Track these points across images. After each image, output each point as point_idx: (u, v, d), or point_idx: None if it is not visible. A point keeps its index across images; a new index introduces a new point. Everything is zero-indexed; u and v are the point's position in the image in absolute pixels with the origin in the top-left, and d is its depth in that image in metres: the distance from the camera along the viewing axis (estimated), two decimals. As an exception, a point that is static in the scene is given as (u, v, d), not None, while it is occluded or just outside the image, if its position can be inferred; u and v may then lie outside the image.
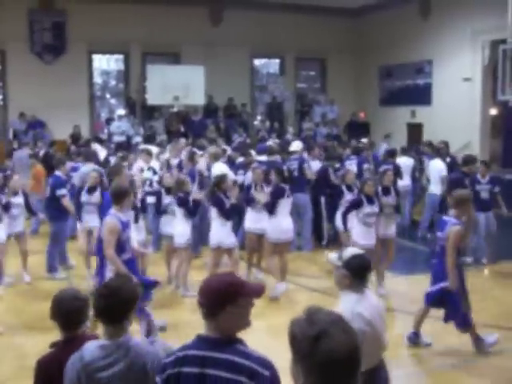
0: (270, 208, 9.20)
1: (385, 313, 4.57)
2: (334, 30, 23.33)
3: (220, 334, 2.83)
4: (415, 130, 20.87)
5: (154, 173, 12.13)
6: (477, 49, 18.39)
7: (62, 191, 10.25)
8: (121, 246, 6.66)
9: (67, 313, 3.68)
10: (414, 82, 21.39)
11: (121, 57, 21.89)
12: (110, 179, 9.49)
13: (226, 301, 2.81)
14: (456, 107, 18.88)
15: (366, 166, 13.28)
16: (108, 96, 22.50)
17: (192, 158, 12.04)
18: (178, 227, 9.14)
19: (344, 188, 10.40)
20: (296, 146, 13.14)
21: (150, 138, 18.16)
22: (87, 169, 11.32)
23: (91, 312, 3.46)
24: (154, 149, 14.37)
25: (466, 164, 11.11)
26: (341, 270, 4.24)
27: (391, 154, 13.98)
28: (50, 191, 10.40)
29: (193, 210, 9.17)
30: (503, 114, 18.60)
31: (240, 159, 13.15)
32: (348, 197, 10.01)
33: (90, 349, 3.24)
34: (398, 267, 10.14)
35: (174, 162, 12.85)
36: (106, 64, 22.23)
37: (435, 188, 12.93)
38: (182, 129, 20.40)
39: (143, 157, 12.76)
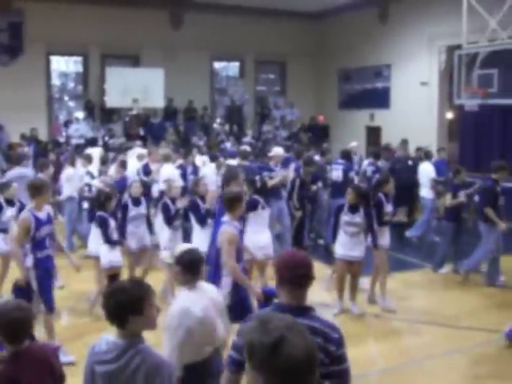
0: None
1: (223, 306, 4.65)
2: (294, 33, 23.46)
3: (297, 303, 3.24)
4: (374, 133, 21.11)
5: (92, 177, 11.97)
6: (433, 54, 18.70)
7: None
8: None
9: (10, 324, 3.53)
10: (373, 86, 21.64)
11: (80, 59, 21.62)
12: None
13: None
14: (414, 111, 19.17)
15: (352, 172, 12.77)
16: (66, 98, 22.21)
17: (123, 165, 11.99)
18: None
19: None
20: (276, 151, 12.32)
21: (93, 142, 18.20)
22: (14, 173, 11.25)
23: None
24: (140, 151, 14.18)
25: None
26: (174, 267, 4.41)
27: (376, 155, 14.10)
28: None
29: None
30: (459, 118, 18.93)
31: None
32: None
33: (102, 341, 3.28)
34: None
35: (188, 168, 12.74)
36: (64, 66, 21.94)
37: (427, 192, 12.81)
38: (142, 132, 20.29)
39: (82, 161, 12.46)
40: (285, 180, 11.36)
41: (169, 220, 8.53)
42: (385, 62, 20.85)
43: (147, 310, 3.25)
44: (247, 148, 13.98)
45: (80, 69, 21.83)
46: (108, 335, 3.29)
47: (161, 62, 20.58)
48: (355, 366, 3.53)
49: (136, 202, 8.95)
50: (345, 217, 8.22)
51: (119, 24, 20.42)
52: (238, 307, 5.79)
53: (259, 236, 8.36)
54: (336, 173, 12.40)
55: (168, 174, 11.24)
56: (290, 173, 11.67)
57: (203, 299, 4.30)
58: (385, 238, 8.64)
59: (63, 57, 21.62)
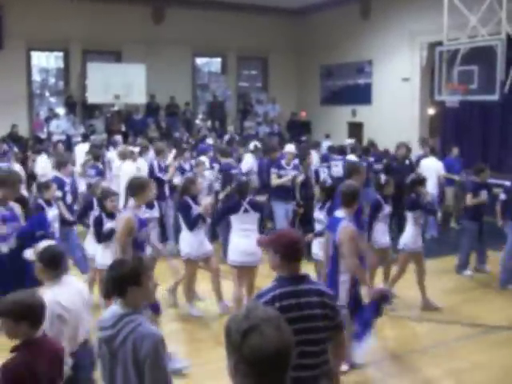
0: (215, 224, 8.48)
1: (88, 298, 4.74)
2: (276, 29, 23.46)
3: (297, 273, 3.81)
4: (356, 129, 21.18)
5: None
6: (415, 50, 18.78)
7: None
8: None
9: (38, 308, 3.69)
10: (355, 82, 21.70)
11: (60, 54, 21.45)
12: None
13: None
14: (395, 106, 19.27)
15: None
16: (47, 94, 22.07)
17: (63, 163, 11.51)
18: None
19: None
20: (289, 148, 11.83)
21: (86, 137, 18.01)
22: None
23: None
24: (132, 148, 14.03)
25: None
26: (36, 264, 4.47)
27: (367, 151, 14.13)
28: None
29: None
30: (440, 114, 19.04)
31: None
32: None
33: (109, 310, 3.59)
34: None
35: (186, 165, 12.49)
36: (45, 61, 21.79)
37: (432, 188, 12.30)
38: (123, 128, 20.21)
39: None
40: (297, 181, 11.01)
41: (191, 223, 8.02)
42: (366, 57, 20.91)
43: (145, 282, 3.57)
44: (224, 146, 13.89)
45: (61, 64, 21.67)
46: (112, 306, 3.58)
47: (143, 58, 20.50)
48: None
49: (149, 205, 8.30)
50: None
51: (101, 19, 20.28)
52: (353, 303, 6.06)
53: (239, 241, 7.75)
54: (336, 169, 12.22)
55: (129, 170, 11.40)
56: (301, 175, 11.14)
57: (69, 293, 4.39)
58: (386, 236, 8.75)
59: (44, 52, 21.45)
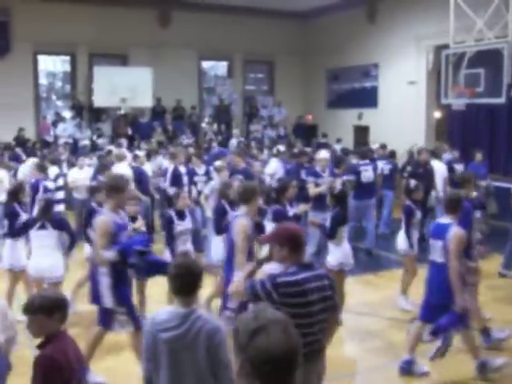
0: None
1: (8, 312, 4.76)
2: (282, 32, 23.48)
3: (303, 262, 4.10)
4: (362, 133, 21.17)
5: None
6: (421, 53, 18.76)
7: None
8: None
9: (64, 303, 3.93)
10: (361, 85, 21.69)
11: (67, 58, 21.53)
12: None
13: None
14: (401, 110, 19.24)
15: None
16: (54, 98, 22.14)
17: (41, 168, 11.15)
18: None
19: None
20: (323, 154, 11.25)
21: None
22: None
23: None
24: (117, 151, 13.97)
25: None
26: None
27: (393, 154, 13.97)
28: None
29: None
30: (446, 117, 19.01)
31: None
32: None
33: (161, 312, 3.70)
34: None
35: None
36: (52, 65, 21.88)
37: (440, 191, 12.30)
38: (129, 131, 20.25)
39: (33, 172, 11.38)
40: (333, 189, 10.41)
41: (222, 227, 7.66)
42: (373, 61, 20.90)
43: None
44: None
45: (68, 68, 21.75)
46: (165, 307, 3.79)
47: (149, 62, 20.56)
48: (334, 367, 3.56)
49: (180, 215, 7.86)
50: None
51: (107, 23, 20.36)
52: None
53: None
54: (367, 173, 11.86)
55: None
56: (338, 181, 10.49)
57: None
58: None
59: (51, 56, 21.54)
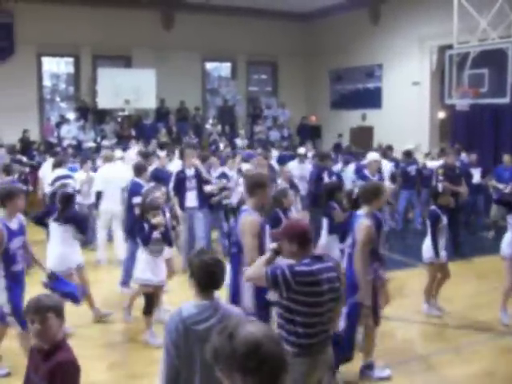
0: None
1: None
2: (286, 33, 23.48)
3: (313, 255, 4.29)
4: (366, 133, 21.14)
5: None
6: (425, 54, 18.75)
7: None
8: None
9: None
10: (365, 86, 21.68)
11: (71, 60, 21.57)
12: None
13: None
14: (405, 110, 19.22)
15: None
16: (58, 99, 22.16)
17: (7, 169, 10.98)
18: None
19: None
20: (372, 157, 10.85)
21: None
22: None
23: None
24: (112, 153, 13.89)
25: None
26: None
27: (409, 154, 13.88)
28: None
29: None
30: (450, 118, 18.98)
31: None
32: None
33: (187, 307, 3.78)
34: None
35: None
36: (55, 67, 21.88)
37: None
38: (133, 133, 20.26)
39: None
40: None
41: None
42: (376, 62, 20.90)
43: None
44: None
45: (71, 70, 21.77)
46: (189, 302, 3.82)
47: (152, 63, 20.59)
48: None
49: (286, 212, 7.80)
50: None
51: (110, 25, 20.38)
52: None
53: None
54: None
55: (106, 173, 11.37)
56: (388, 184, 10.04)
57: None
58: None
59: (54, 58, 21.54)
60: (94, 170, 12.55)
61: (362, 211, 6.19)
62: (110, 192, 11.14)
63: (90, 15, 20.07)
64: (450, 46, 14.66)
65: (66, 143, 18.51)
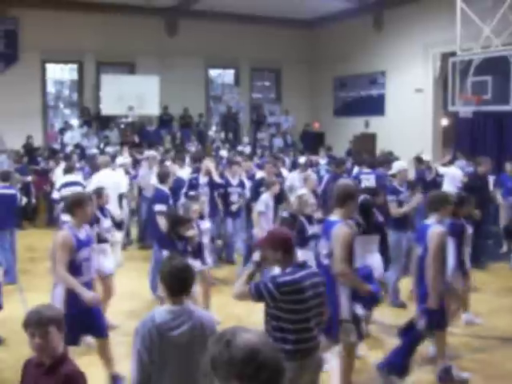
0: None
1: None
2: (289, 40, 23.53)
3: (297, 262, 4.41)
4: (368, 140, 21.14)
5: None
6: (428, 61, 18.76)
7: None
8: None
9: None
10: (368, 93, 21.69)
11: (75, 66, 21.63)
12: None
13: None
14: (409, 117, 19.22)
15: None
16: (62, 106, 22.22)
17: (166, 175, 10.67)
18: None
19: None
20: (401, 166, 10.08)
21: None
22: None
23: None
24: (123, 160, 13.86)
25: None
26: None
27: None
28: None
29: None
30: (453, 125, 18.98)
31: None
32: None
33: (160, 312, 3.82)
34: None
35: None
36: (59, 73, 21.94)
37: None
38: (137, 139, 20.28)
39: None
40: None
41: (301, 242, 7.38)
42: (380, 69, 20.91)
43: None
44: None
45: (75, 76, 21.84)
46: (158, 309, 3.90)
47: (156, 70, 20.63)
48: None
49: (310, 220, 7.79)
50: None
51: (114, 31, 20.44)
52: None
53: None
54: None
55: (103, 177, 11.35)
56: (419, 197, 9.29)
57: None
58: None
59: (58, 64, 21.60)
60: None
61: (431, 220, 6.22)
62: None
63: (94, 22, 20.13)
64: (454, 54, 14.67)
65: (68, 149, 18.52)
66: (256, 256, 4.53)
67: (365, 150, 20.07)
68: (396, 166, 10.17)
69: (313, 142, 22.15)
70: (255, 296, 4.26)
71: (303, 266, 4.38)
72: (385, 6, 20.06)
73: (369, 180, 11.62)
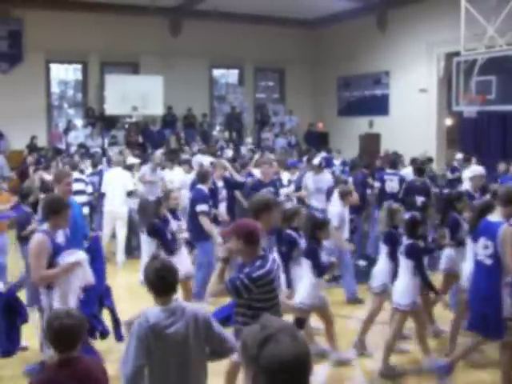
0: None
1: None
2: (293, 40, 23.52)
3: (260, 254, 4.61)
4: (373, 140, 21.12)
5: None
6: (432, 61, 18.73)
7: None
8: None
9: (58, 332, 3.60)
10: (372, 93, 21.68)
11: (79, 66, 21.65)
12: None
13: None
14: (413, 117, 19.20)
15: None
16: (66, 106, 22.23)
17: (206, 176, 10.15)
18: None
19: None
20: (477, 171, 9.76)
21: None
22: None
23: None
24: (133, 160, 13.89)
25: None
26: None
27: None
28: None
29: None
30: (458, 125, 18.96)
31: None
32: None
33: (153, 313, 3.87)
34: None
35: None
36: (64, 73, 21.95)
37: None
38: (141, 139, 20.29)
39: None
40: None
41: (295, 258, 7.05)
42: (384, 69, 20.89)
43: None
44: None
45: (79, 76, 21.85)
46: (151, 309, 3.93)
47: (160, 70, 20.62)
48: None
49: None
50: None
51: (118, 31, 20.45)
52: None
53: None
54: (391, 183, 11.65)
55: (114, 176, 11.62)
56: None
57: None
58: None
59: (62, 64, 21.61)
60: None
61: (496, 216, 5.82)
62: (113, 194, 11.48)
63: (98, 22, 20.13)
64: (458, 53, 14.64)
65: (73, 149, 18.54)
66: (222, 252, 4.75)
67: (370, 150, 20.11)
68: (473, 171, 9.88)
69: (317, 142, 22.12)
70: (233, 292, 4.52)
71: (265, 256, 4.62)
72: (389, 5, 20.03)
73: (392, 181, 11.66)
